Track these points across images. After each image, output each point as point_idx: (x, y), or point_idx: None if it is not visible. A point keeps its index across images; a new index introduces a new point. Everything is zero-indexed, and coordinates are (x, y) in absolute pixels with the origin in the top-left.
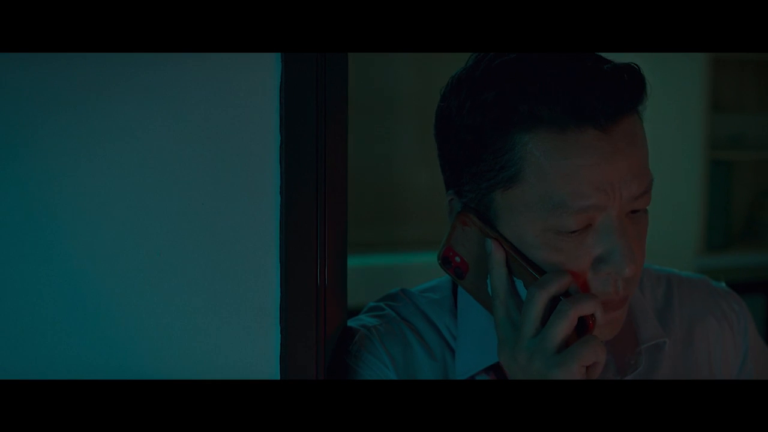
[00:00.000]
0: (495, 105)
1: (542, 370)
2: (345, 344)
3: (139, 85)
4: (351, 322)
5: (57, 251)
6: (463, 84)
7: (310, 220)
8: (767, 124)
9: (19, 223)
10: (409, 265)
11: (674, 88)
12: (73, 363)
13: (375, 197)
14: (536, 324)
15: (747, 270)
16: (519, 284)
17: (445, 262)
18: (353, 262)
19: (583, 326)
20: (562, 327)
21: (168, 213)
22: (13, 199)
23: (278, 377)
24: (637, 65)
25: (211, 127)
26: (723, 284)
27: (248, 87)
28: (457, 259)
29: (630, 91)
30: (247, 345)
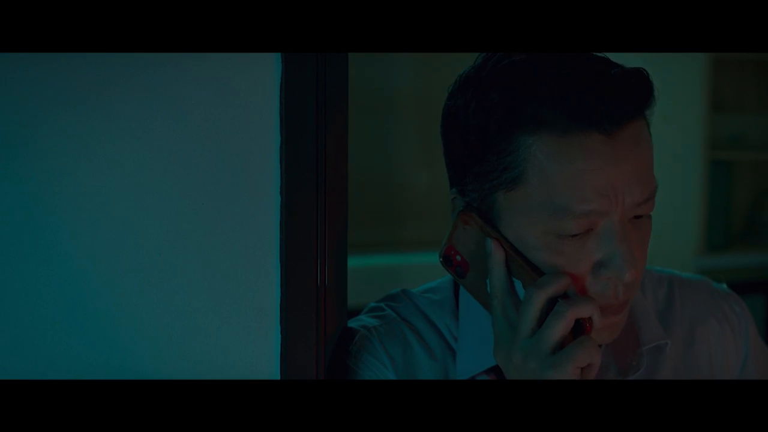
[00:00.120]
0: (500, 106)
1: (537, 370)
2: (345, 344)
3: (139, 85)
4: (351, 323)
5: (57, 251)
6: (470, 83)
7: (310, 220)
8: (767, 124)
9: (19, 223)
10: (409, 265)
11: (674, 88)
12: (73, 363)
13: (375, 197)
14: (533, 324)
15: (747, 270)
16: (518, 285)
17: (447, 260)
18: (354, 262)
19: (580, 329)
20: (559, 328)
21: (168, 213)
22: (13, 199)
23: (278, 377)
24: (645, 70)
25: (211, 127)
26: (724, 286)
27: (248, 87)
28: (458, 257)
29: (636, 96)
30: (247, 345)
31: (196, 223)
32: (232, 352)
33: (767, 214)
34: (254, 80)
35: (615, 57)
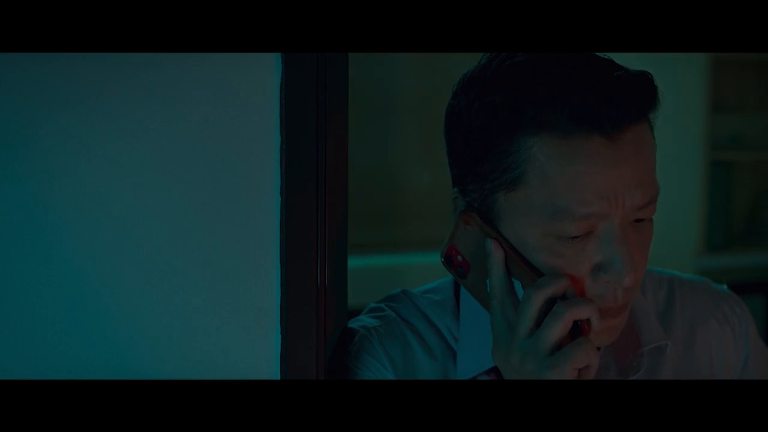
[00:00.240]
0: (502, 107)
1: (534, 371)
2: (345, 345)
3: (139, 85)
4: (351, 323)
5: (57, 251)
6: (474, 83)
7: (310, 220)
8: (767, 124)
9: (19, 223)
10: (410, 265)
11: (674, 88)
12: (73, 363)
13: (375, 197)
14: (531, 325)
15: (747, 270)
16: (517, 285)
17: (448, 260)
18: (354, 262)
19: (578, 331)
20: (557, 329)
21: (168, 213)
22: (13, 199)
23: (278, 377)
24: (649, 73)
25: (211, 127)
26: (724, 287)
27: (248, 87)
28: (460, 258)
29: (639, 99)
30: (247, 345)
31: (196, 223)
32: (232, 352)
33: (767, 214)
34: (254, 80)
35: (615, 57)
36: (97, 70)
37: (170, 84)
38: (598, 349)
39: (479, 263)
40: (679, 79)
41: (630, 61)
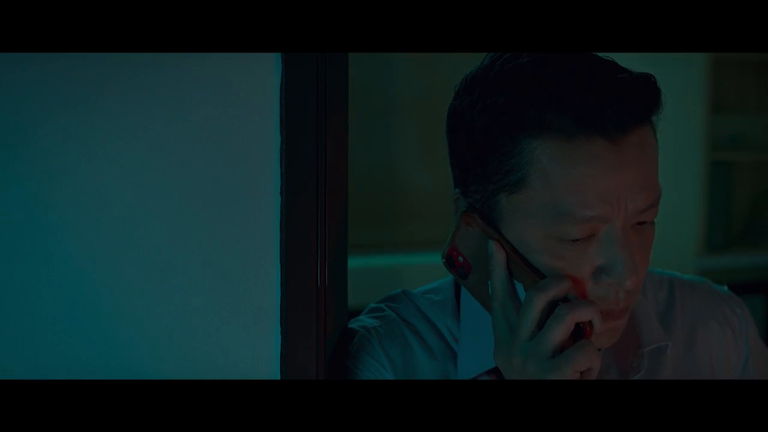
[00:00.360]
0: (505, 108)
1: (536, 373)
2: (344, 345)
3: (139, 85)
4: (351, 323)
5: (57, 251)
6: (476, 84)
7: (310, 220)
8: (767, 125)
9: (19, 223)
10: (410, 265)
11: (674, 88)
12: (73, 363)
13: (376, 197)
14: (532, 327)
15: (747, 271)
16: (519, 287)
17: (449, 261)
18: (355, 263)
19: (580, 333)
20: (559, 331)
21: (168, 213)
22: (13, 199)
23: (278, 377)
24: (653, 76)
25: (211, 127)
26: (725, 288)
27: (248, 87)
28: (461, 258)
29: (642, 102)
30: (247, 345)
31: (196, 223)
32: (232, 352)
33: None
34: (254, 80)
35: (615, 57)
36: (97, 70)
37: (170, 84)
38: (599, 350)
39: (481, 264)
40: (679, 79)
41: (630, 61)
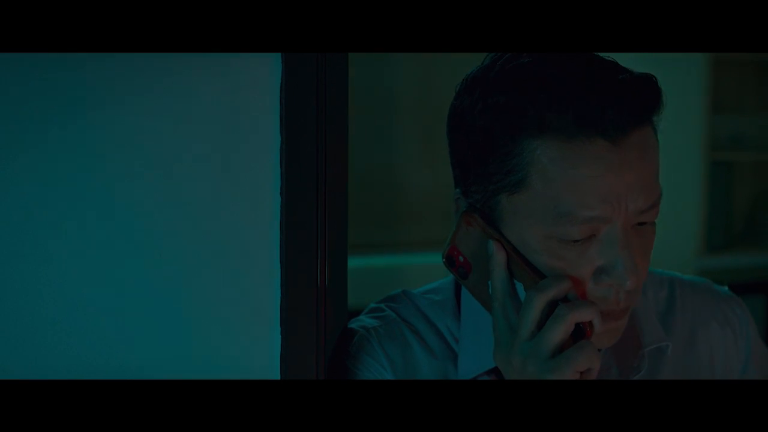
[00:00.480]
0: (506, 108)
1: (536, 373)
2: (344, 345)
3: (139, 85)
4: (351, 323)
5: (57, 251)
6: (477, 84)
7: (310, 220)
8: (767, 125)
9: (19, 223)
10: (410, 265)
11: (674, 88)
12: (73, 363)
13: (376, 197)
14: (532, 327)
15: (747, 271)
16: (519, 287)
17: (449, 261)
18: (355, 263)
19: (580, 333)
20: (558, 331)
21: (168, 213)
22: (13, 199)
23: (278, 377)
24: (654, 76)
25: (211, 127)
26: (726, 288)
27: (248, 87)
28: (461, 258)
29: (643, 103)
30: (247, 345)
31: (196, 223)
32: (232, 352)
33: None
34: (254, 80)
35: (615, 57)
36: (98, 71)
37: (170, 84)
38: (599, 351)
39: (481, 264)
40: (679, 79)
41: (630, 61)
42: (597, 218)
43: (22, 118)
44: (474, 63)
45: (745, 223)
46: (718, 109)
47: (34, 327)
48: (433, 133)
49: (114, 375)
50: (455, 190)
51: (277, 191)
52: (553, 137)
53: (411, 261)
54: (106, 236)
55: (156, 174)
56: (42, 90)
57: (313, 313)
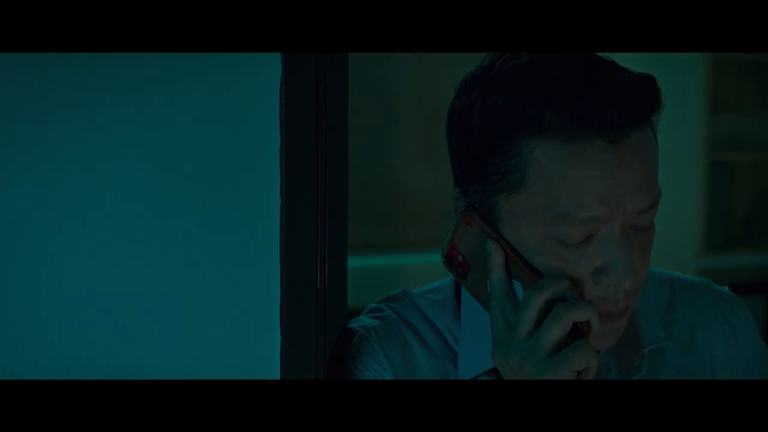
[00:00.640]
0: (505, 108)
1: (533, 373)
2: (344, 345)
3: (140, 85)
4: (351, 323)
5: (57, 251)
6: (476, 84)
7: (310, 220)
8: (767, 124)
9: (19, 223)
10: (410, 265)
11: (674, 88)
12: (73, 363)
13: (376, 197)
14: (530, 326)
15: (747, 271)
16: (518, 286)
17: (449, 260)
18: (354, 263)
19: (578, 333)
20: (556, 331)
21: (168, 213)
22: (13, 199)
23: (278, 377)
24: (653, 76)
25: (211, 127)
26: (726, 288)
27: (248, 87)
28: (460, 258)
29: (641, 103)
30: (247, 345)
31: (195, 224)
32: (232, 352)
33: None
34: (254, 80)
35: (615, 57)
36: (97, 70)
37: (170, 84)
38: (598, 351)
39: (480, 264)
40: (679, 80)
41: (630, 61)
42: (595, 219)
43: (22, 118)
44: (474, 63)
45: (744, 223)
46: (718, 109)
47: (34, 327)
48: (433, 133)
49: (114, 375)
50: (454, 189)
51: (276, 191)
52: (552, 137)
53: (411, 261)
54: (106, 236)
55: (156, 174)
56: (42, 90)
57: (313, 313)
